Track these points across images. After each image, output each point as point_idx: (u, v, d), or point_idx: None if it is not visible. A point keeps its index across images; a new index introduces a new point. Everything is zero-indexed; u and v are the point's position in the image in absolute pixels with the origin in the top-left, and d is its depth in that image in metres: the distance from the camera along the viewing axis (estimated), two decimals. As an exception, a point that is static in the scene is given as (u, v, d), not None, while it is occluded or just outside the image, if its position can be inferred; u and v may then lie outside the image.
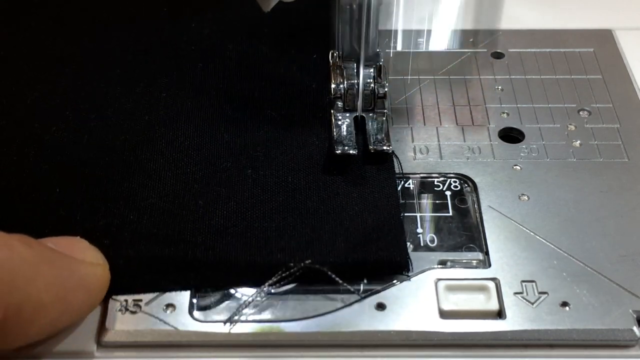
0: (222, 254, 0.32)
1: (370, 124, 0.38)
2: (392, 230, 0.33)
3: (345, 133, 0.37)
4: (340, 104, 0.38)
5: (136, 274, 0.31)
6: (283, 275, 0.31)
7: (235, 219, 0.33)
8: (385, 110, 0.38)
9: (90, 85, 0.40)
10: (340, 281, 0.31)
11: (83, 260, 0.28)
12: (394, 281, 0.31)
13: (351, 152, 0.35)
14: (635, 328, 0.30)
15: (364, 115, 0.38)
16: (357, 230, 0.33)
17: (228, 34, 0.43)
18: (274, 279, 0.31)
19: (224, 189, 0.34)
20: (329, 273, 0.31)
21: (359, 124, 0.38)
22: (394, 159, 0.36)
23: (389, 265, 0.32)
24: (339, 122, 0.37)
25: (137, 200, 0.34)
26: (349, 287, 0.31)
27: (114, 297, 0.30)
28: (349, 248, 0.32)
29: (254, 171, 0.35)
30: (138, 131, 0.37)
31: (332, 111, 0.38)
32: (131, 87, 0.40)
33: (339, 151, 0.35)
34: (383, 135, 0.37)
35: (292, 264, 0.31)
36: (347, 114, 0.38)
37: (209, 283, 0.31)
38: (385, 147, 0.36)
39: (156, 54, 0.42)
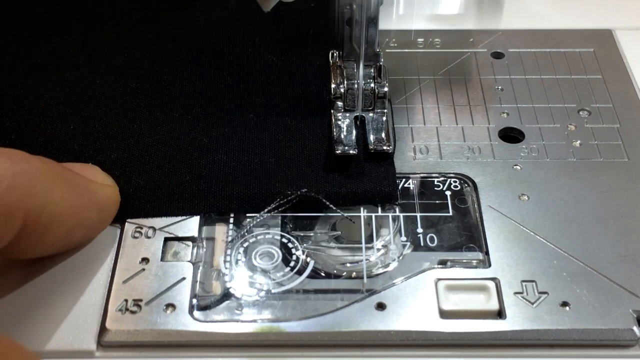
0: (224, 184, 0.35)
1: (370, 124, 0.38)
2: (384, 165, 0.36)
3: (345, 133, 0.37)
4: (340, 103, 0.38)
5: (145, 199, 0.34)
6: (281, 202, 0.34)
7: (237, 155, 0.36)
8: (385, 110, 0.38)
9: (100, 36, 0.43)
10: (334, 207, 0.34)
11: (95, 180, 0.31)
12: (394, 281, 0.31)
13: (351, 152, 0.35)
14: (635, 328, 0.30)
15: (364, 115, 0.38)
16: (350, 165, 0.36)
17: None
18: (273, 205, 0.34)
19: (227, 129, 0.37)
20: (324, 200, 0.34)
21: (359, 124, 0.38)
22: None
23: (379, 195, 0.35)
24: (339, 122, 0.37)
25: (146, 137, 0.37)
26: (342, 213, 0.34)
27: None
28: (343, 179, 0.35)
29: (255, 114, 0.38)
30: (147, 78, 0.40)
31: (332, 111, 0.38)
32: (139, 38, 0.43)
33: (339, 151, 0.35)
34: (383, 135, 0.37)
35: (289, 192, 0.34)
36: (347, 114, 0.38)
37: (213, 209, 0.34)
38: (385, 147, 0.36)
39: (163, 19, 0.45)
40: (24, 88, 0.39)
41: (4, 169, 0.26)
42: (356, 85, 0.37)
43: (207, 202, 0.34)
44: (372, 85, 0.37)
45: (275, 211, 0.34)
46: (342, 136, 0.37)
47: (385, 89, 0.38)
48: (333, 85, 0.38)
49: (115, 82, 0.40)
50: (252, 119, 0.38)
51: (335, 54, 0.39)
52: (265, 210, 0.34)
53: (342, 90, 0.37)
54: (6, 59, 0.41)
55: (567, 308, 0.30)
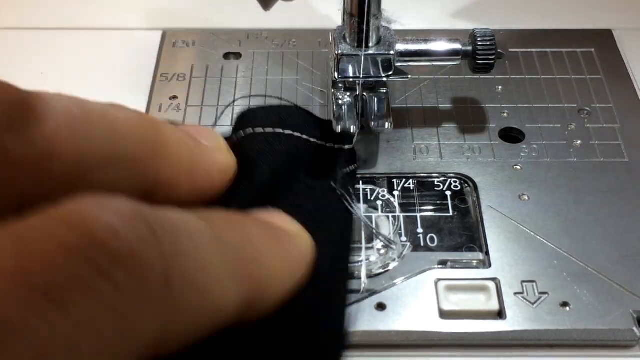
0: None
1: (371, 102, 0.37)
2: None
3: (345, 111, 0.36)
4: (341, 84, 0.37)
5: None
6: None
7: None
8: (386, 89, 0.38)
9: None
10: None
11: (295, 234, 0.27)
12: (394, 281, 0.31)
13: (352, 130, 0.35)
14: (635, 328, 0.30)
15: (364, 94, 0.37)
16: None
17: None
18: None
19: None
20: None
21: (359, 103, 0.37)
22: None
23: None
24: (339, 102, 0.37)
25: None
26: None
27: None
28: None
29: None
30: None
31: (332, 90, 0.37)
32: None
33: (339, 128, 0.35)
34: (384, 112, 0.36)
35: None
36: (348, 93, 0.37)
37: None
38: (387, 124, 0.36)
39: None
40: None
41: (235, 232, 0.22)
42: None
43: None
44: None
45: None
46: (342, 114, 0.36)
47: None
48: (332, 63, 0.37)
49: None
50: None
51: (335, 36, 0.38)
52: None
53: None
54: None
55: (568, 308, 0.30)
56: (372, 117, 0.36)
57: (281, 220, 0.26)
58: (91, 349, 0.15)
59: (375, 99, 0.37)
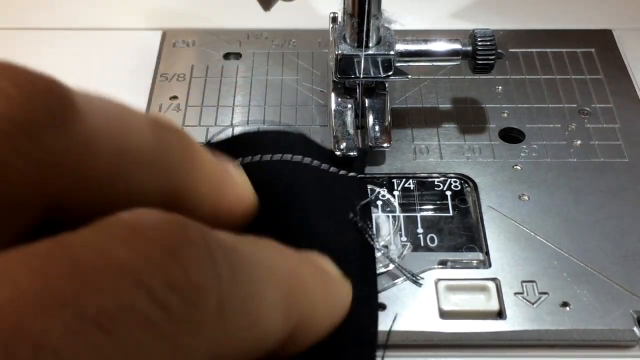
0: None
1: (370, 113, 0.37)
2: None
3: (345, 129, 0.36)
4: (340, 84, 0.37)
5: None
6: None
7: None
8: (386, 91, 0.38)
9: None
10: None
11: (337, 277, 0.26)
12: (394, 281, 0.31)
13: (351, 154, 0.35)
14: (635, 328, 0.30)
15: (364, 98, 0.37)
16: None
17: None
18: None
19: None
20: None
21: (359, 109, 0.37)
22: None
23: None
24: (340, 109, 0.37)
25: None
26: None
27: None
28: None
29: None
30: None
31: (331, 94, 0.37)
32: None
33: (339, 153, 0.35)
34: (384, 127, 0.36)
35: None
36: (348, 97, 0.37)
37: None
38: (385, 144, 0.36)
39: None
40: None
41: (285, 265, 0.22)
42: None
43: None
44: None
45: None
46: (342, 133, 0.36)
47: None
48: (332, 63, 0.37)
49: None
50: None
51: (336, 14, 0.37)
52: None
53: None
54: None
55: (568, 308, 0.30)
56: (372, 134, 0.36)
57: (323, 263, 0.26)
58: None
59: (374, 113, 0.37)
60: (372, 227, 0.32)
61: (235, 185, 0.25)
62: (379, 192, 0.36)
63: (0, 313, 0.13)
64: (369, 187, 0.35)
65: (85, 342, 0.14)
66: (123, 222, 0.16)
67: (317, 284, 0.24)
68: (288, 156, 0.32)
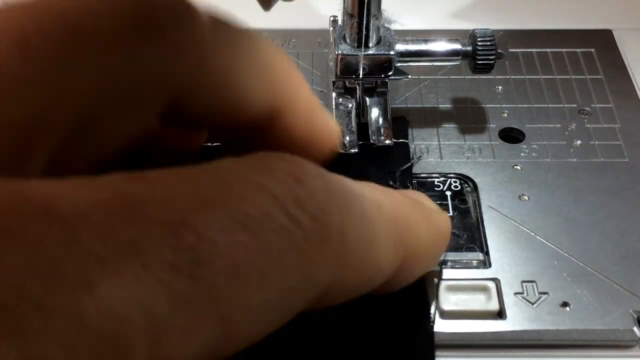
0: None
1: (371, 110, 0.37)
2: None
3: (346, 127, 0.36)
4: (340, 84, 0.37)
5: None
6: None
7: None
8: (386, 89, 0.38)
9: None
10: None
11: (436, 210, 0.28)
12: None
13: (352, 151, 0.35)
14: (635, 328, 0.30)
15: (365, 97, 0.37)
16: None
17: None
18: None
19: None
20: None
21: (360, 108, 0.38)
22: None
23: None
24: (340, 108, 0.37)
25: None
26: None
27: None
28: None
29: None
30: None
31: (332, 94, 0.37)
32: None
33: (340, 150, 0.35)
34: (385, 124, 0.37)
35: None
36: (349, 97, 0.37)
37: None
38: (387, 141, 0.36)
39: None
40: None
41: (387, 198, 0.23)
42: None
43: None
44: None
45: None
46: (343, 131, 0.36)
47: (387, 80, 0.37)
48: (331, 63, 0.37)
49: None
50: None
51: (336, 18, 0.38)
52: None
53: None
54: None
55: (568, 308, 0.30)
56: (372, 128, 0.37)
57: (420, 197, 0.28)
58: (277, 283, 0.17)
59: (375, 111, 0.37)
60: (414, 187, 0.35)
61: (326, 114, 0.27)
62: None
63: (169, 208, 0.15)
64: None
65: (235, 240, 0.16)
66: (256, 156, 0.19)
67: (420, 219, 0.25)
68: None
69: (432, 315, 0.30)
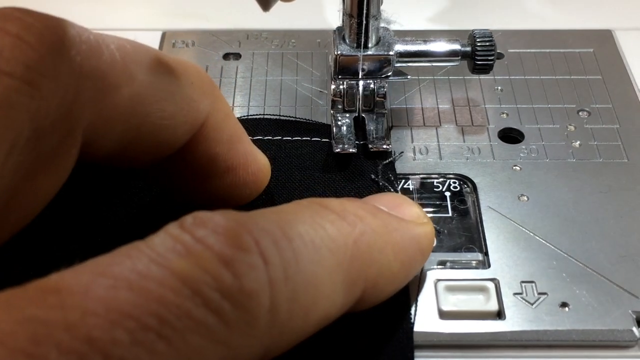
0: None
1: (370, 124, 0.38)
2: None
3: (345, 132, 0.37)
4: (340, 105, 0.38)
5: None
6: None
7: None
8: (384, 110, 0.38)
9: None
10: None
11: (414, 221, 0.26)
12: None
13: (351, 150, 0.35)
14: (634, 328, 0.30)
15: (363, 115, 0.38)
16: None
17: None
18: None
19: None
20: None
21: (359, 124, 0.38)
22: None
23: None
24: (339, 122, 0.37)
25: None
26: None
27: None
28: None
29: None
30: None
31: (332, 111, 0.38)
32: None
33: (338, 149, 0.35)
34: (383, 134, 0.37)
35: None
36: (347, 114, 0.38)
37: None
38: (385, 146, 0.36)
39: None
40: None
41: (346, 237, 0.22)
42: (356, 86, 0.37)
43: None
44: (372, 86, 0.37)
45: None
46: (341, 135, 0.36)
47: (385, 89, 0.38)
48: (333, 86, 0.37)
49: None
50: None
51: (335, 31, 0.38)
52: None
53: (341, 89, 0.37)
54: None
55: (567, 309, 0.30)
56: (371, 137, 0.37)
57: (404, 202, 0.26)
58: None
59: (374, 121, 0.38)
60: (395, 182, 0.35)
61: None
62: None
63: (73, 327, 0.14)
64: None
65: (149, 351, 0.15)
66: (186, 229, 0.17)
67: (387, 240, 0.23)
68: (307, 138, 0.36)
69: (412, 317, 0.30)
